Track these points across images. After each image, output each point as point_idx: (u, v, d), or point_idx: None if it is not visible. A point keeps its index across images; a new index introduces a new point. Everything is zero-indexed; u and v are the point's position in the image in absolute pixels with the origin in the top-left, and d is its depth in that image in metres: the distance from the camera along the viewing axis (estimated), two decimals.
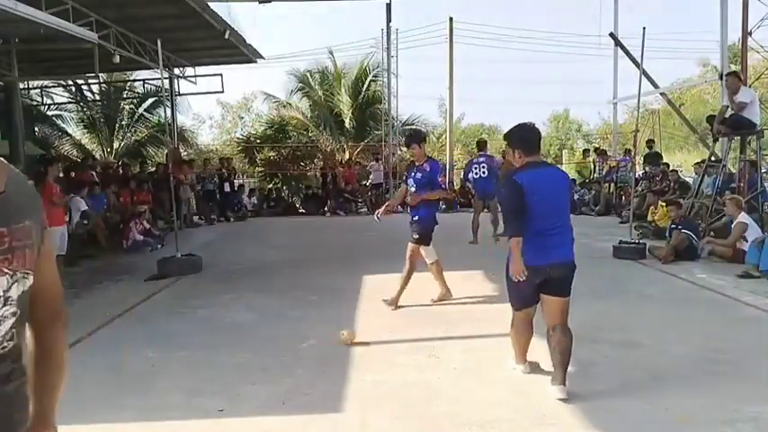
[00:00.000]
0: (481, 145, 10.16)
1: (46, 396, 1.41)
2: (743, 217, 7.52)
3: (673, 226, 8.07)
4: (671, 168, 13.57)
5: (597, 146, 22.72)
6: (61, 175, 10.43)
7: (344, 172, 16.60)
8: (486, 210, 9.91)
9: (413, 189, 5.62)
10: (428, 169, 5.58)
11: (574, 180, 14.03)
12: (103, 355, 4.54)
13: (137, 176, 12.51)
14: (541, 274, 3.47)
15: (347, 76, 21.05)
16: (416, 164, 5.71)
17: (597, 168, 15.28)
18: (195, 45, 12.30)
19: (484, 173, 9.48)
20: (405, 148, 21.90)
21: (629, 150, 15.12)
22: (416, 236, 5.56)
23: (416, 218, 5.56)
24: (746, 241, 7.23)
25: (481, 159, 9.65)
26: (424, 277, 6.83)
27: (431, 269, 5.77)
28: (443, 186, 5.78)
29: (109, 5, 9.19)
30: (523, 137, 3.67)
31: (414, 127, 21.94)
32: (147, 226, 10.23)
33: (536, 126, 3.75)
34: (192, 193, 13.67)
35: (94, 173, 11.41)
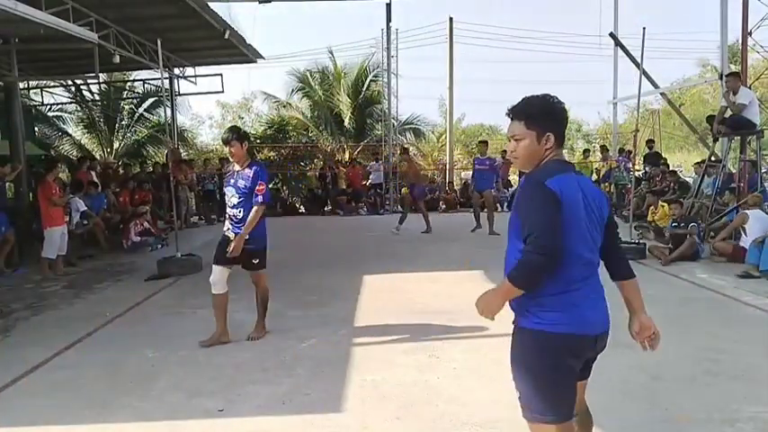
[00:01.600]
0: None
1: None
2: (753, 212, 7.41)
3: (674, 224, 8.07)
4: (670, 168, 13.55)
5: (602, 144, 22.70)
6: (65, 175, 10.44)
7: (348, 172, 16.60)
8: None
9: (234, 200, 4.63)
10: (251, 176, 4.57)
11: None
12: (103, 354, 4.55)
13: (136, 176, 12.50)
14: (588, 350, 2.15)
15: (347, 76, 21.08)
16: (236, 168, 4.70)
17: (601, 169, 15.29)
18: (195, 45, 12.31)
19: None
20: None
21: (623, 150, 15.14)
22: (257, 261, 4.72)
23: (247, 238, 4.59)
24: (746, 235, 7.21)
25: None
26: (422, 277, 6.85)
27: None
28: (263, 198, 4.55)
29: (109, 5, 9.20)
30: (559, 115, 2.15)
31: (414, 126, 22.05)
32: (147, 226, 10.22)
33: None
34: (192, 192, 13.67)
35: (94, 173, 11.40)
